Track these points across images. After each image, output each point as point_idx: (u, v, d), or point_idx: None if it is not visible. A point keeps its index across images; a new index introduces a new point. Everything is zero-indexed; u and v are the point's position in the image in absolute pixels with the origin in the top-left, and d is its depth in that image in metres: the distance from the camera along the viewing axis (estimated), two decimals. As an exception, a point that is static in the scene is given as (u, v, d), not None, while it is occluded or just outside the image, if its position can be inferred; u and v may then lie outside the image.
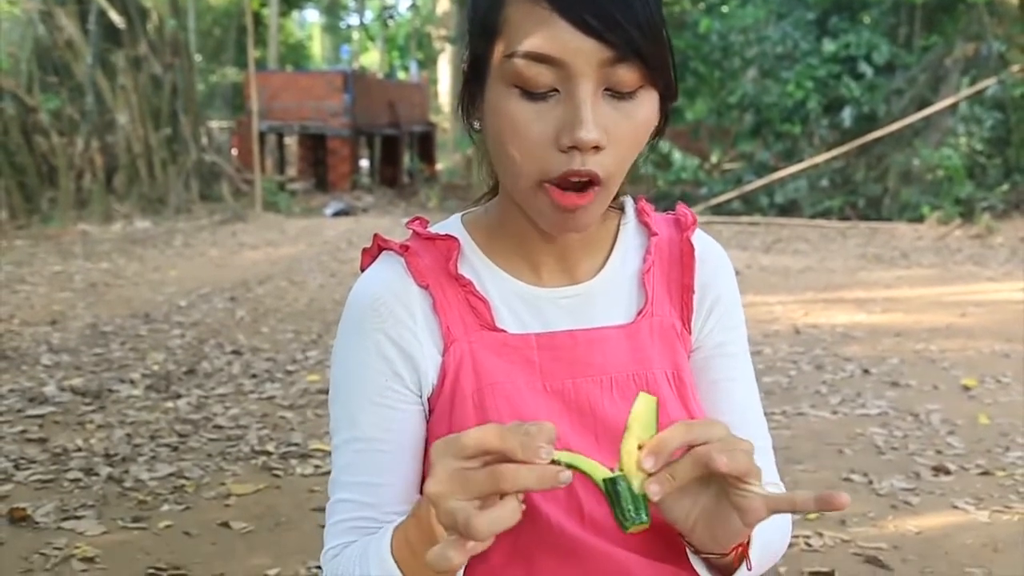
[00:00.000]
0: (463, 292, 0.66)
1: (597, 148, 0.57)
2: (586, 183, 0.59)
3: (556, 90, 0.57)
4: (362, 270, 0.70)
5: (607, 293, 0.69)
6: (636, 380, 0.67)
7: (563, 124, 0.57)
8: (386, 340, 0.65)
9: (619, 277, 0.70)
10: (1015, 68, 9.05)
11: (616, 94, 0.58)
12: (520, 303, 0.67)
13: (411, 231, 0.69)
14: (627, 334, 0.67)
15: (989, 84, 9.10)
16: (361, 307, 0.66)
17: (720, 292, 0.72)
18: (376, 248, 0.69)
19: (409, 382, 0.66)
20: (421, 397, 0.66)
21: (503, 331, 0.65)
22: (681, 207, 0.74)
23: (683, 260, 0.71)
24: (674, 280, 0.71)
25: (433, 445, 0.51)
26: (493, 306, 0.66)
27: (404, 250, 0.67)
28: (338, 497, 0.67)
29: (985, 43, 9.46)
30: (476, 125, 0.64)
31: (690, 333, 0.71)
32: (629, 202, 0.73)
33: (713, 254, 0.73)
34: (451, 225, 0.70)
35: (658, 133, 0.65)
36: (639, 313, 0.69)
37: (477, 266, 0.68)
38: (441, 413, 0.65)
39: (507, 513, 0.48)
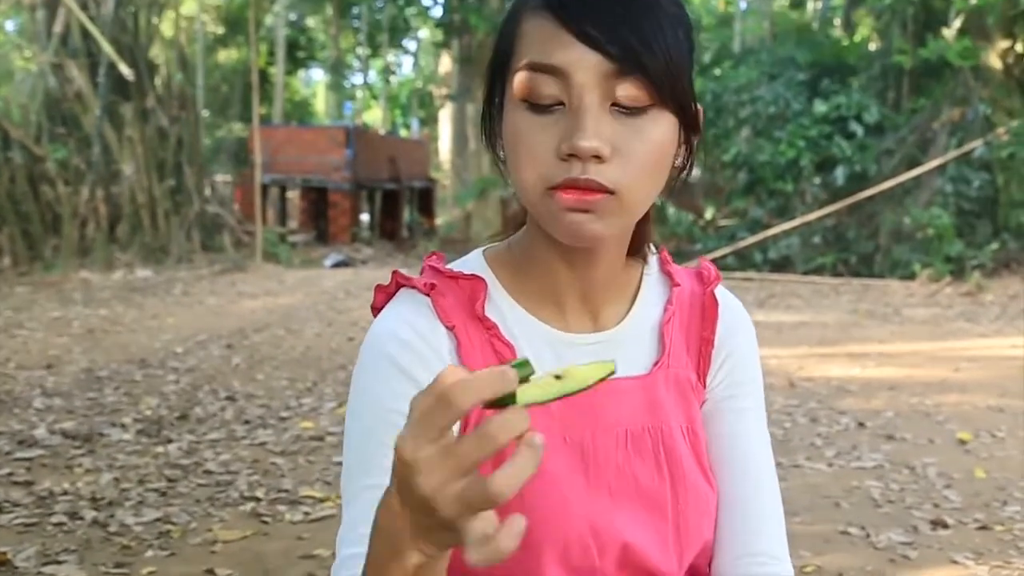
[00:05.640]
0: (487, 335, 0.64)
1: (598, 158, 0.56)
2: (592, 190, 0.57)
3: (562, 103, 0.57)
4: (374, 308, 0.66)
5: (630, 342, 0.67)
6: (651, 433, 0.65)
7: (564, 133, 0.57)
8: (411, 384, 0.61)
9: (641, 326, 0.68)
10: (1001, 131, 9.29)
11: (624, 109, 0.57)
12: (546, 347, 0.65)
13: (430, 267, 0.66)
14: (643, 386, 0.66)
15: (976, 146, 9.34)
16: (385, 349, 0.62)
17: (735, 346, 0.71)
18: (394, 285, 0.66)
19: None
20: None
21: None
22: (704, 262, 0.73)
23: (704, 313, 0.70)
24: (693, 332, 0.69)
25: (398, 439, 0.41)
26: (518, 349, 0.64)
27: (430, 288, 0.64)
28: (347, 552, 0.58)
29: (971, 106, 9.74)
30: (501, 155, 0.63)
31: (704, 387, 0.70)
32: (653, 253, 0.72)
33: (734, 310, 0.72)
34: (473, 262, 0.68)
35: (684, 167, 0.64)
36: (654, 364, 0.67)
37: (503, 308, 0.65)
38: None
39: (526, 459, 0.39)
